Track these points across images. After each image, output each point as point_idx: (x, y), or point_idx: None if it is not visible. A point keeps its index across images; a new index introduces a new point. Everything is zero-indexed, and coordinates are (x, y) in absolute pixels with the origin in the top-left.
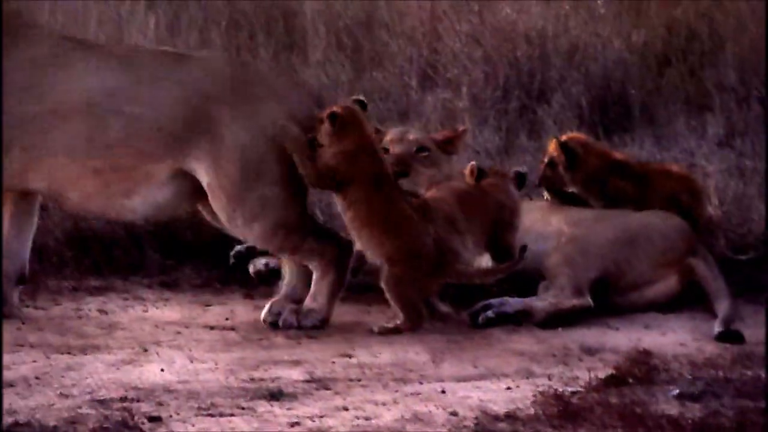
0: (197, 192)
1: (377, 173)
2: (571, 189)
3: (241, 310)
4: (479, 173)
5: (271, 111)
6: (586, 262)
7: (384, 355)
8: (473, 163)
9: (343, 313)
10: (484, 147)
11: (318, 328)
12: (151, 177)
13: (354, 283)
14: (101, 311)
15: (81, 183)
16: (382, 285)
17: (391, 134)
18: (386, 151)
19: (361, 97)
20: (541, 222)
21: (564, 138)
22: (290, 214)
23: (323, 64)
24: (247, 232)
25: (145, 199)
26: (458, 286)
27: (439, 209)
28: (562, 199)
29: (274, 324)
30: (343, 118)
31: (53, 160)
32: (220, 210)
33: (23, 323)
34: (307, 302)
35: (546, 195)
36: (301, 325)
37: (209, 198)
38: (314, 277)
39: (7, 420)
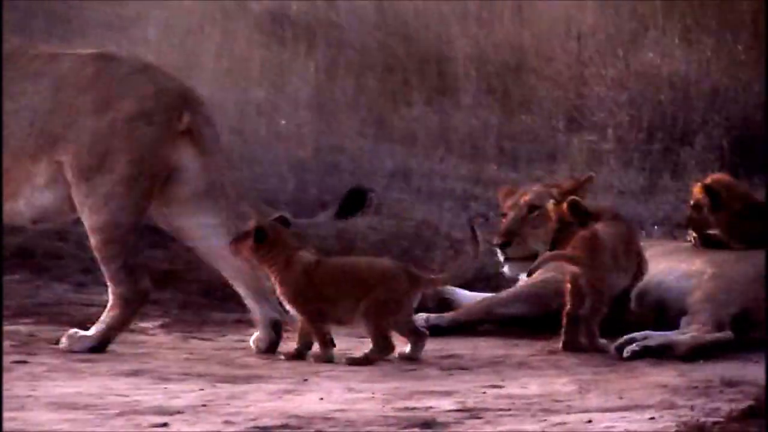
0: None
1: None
2: (713, 231)
3: (396, 344)
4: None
5: (125, 106)
6: (728, 298)
7: (532, 386)
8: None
9: (493, 346)
10: (628, 187)
11: (88, 351)
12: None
13: (502, 318)
14: None
15: None
16: (361, 315)
17: (510, 200)
18: (503, 215)
19: (285, 214)
20: (686, 262)
21: (708, 180)
22: (123, 222)
23: (473, 108)
24: (86, 222)
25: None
26: (606, 320)
27: (607, 244)
28: (705, 240)
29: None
30: (267, 234)
31: None
32: (75, 198)
33: (190, 354)
34: (89, 329)
35: (691, 236)
36: (72, 349)
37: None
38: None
39: None
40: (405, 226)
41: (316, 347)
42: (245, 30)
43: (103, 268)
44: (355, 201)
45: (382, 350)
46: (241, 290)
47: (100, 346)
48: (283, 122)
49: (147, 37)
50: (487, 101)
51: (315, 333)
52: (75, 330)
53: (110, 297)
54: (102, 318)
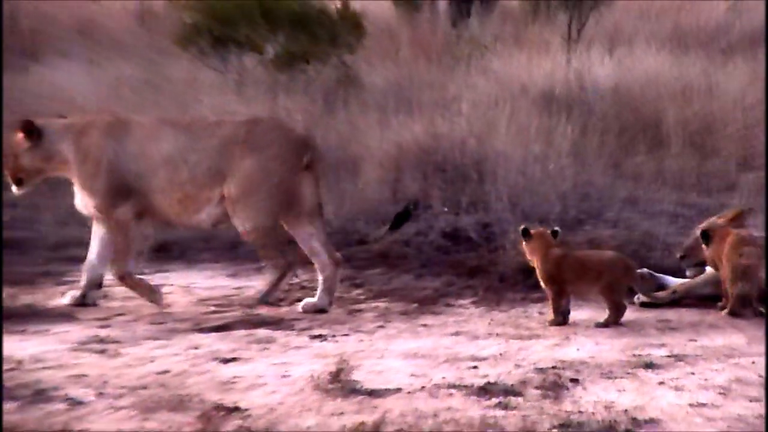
0: None
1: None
2: None
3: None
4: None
5: (271, 151)
6: None
7: (717, 339)
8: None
9: (692, 314)
10: None
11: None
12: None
13: (697, 296)
14: (540, 313)
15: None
16: (598, 292)
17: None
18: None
19: (556, 228)
20: None
21: None
22: (265, 225)
23: (679, 155)
24: (243, 226)
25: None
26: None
27: (757, 244)
28: None
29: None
30: (530, 235)
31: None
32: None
33: (492, 320)
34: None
35: None
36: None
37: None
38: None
39: (481, 381)
40: (633, 235)
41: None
42: (526, 105)
43: (260, 254)
44: (403, 218)
45: (616, 317)
46: None
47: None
48: (551, 166)
49: (461, 111)
50: (688, 151)
51: (553, 305)
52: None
53: (269, 270)
54: (270, 281)
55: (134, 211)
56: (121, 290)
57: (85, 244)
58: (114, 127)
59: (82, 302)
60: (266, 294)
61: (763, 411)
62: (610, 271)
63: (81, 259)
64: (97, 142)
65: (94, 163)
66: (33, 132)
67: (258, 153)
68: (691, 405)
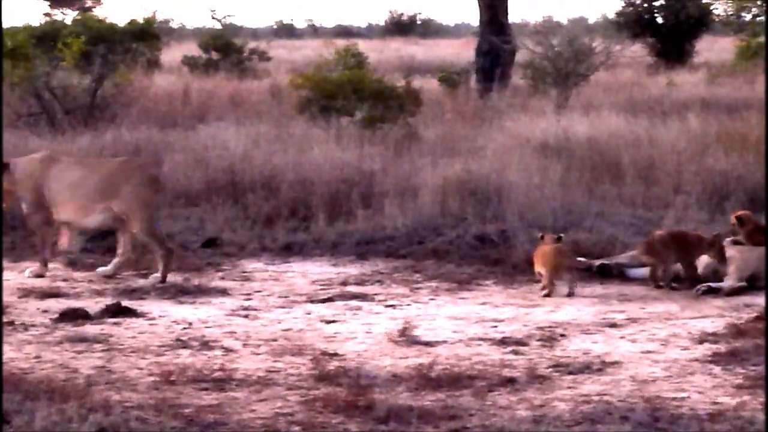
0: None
1: None
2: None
3: (595, 288)
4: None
5: (138, 180)
6: (745, 267)
7: (659, 307)
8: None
9: (641, 288)
10: None
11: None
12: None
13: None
14: (540, 290)
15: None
16: None
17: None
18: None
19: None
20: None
21: (738, 213)
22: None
23: (631, 185)
24: (135, 230)
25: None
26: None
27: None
28: (735, 242)
29: None
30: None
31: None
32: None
33: (507, 295)
34: None
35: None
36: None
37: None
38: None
39: (499, 335)
40: (602, 237)
41: None
42: (529, 151)
43: (152, 248)
44: (212, 242)
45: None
46: None
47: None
48: (546, 191)
49: (486, 155)
50: (638, 181)
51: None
52: None
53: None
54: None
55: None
56: (261, 275)
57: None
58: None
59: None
60: (164, 276)
61: (691, 356)
62: (557, 256)
63: (231, 254)
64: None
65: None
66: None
67: (132, 180)
68: (642, 352)
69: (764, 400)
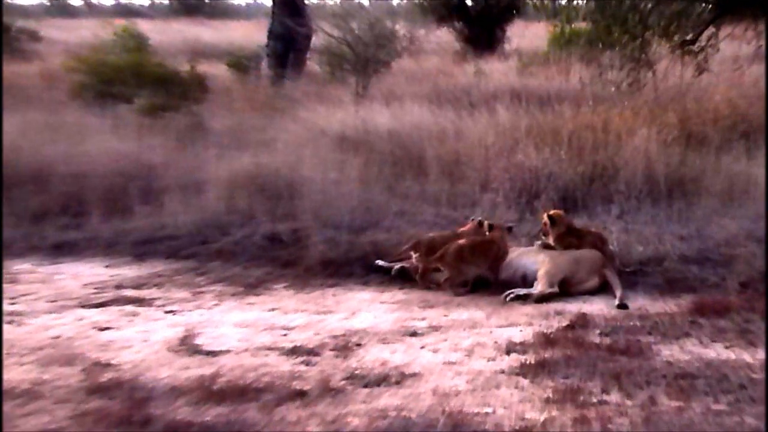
0: None
1: None
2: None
3: (396, 293)
4: (489, 227)
5: None
6: (556, 272)
7: (463, 314)
8: (479, 218)
9: (445, 295)
10: None
11: None
12: None
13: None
14: (333, 295)
15: None
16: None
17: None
18: None
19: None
20: (535, 255)
21: (550, 212)
22: None
23: (435, 182)
24: None
25: None
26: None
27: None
28: (545, 245)
29: None
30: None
31: None
32: None
33: (298, 300)
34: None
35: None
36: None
37: None
38: None
39: (290, 344)
40: (402, 238)
41: None
42: (325, 143)
43: None
44: None
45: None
46: None
47: None
48: (343, 188)
49: (277, 148)
50: (443, 178)
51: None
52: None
53: None
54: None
55: None
56: (28, 277)
57: None
58: None
59: None
60: None
61: (497, 367)
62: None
63: None
64: None
65: None
66: None
67: None
68: (444, 363)
69: (765, 400)
